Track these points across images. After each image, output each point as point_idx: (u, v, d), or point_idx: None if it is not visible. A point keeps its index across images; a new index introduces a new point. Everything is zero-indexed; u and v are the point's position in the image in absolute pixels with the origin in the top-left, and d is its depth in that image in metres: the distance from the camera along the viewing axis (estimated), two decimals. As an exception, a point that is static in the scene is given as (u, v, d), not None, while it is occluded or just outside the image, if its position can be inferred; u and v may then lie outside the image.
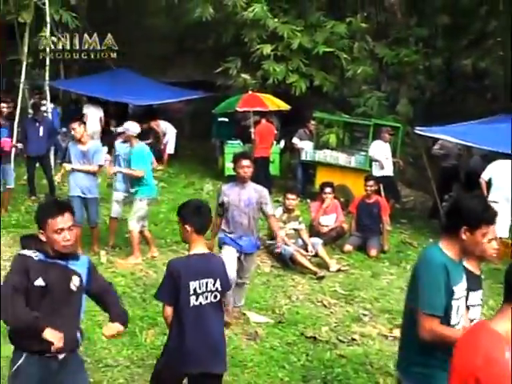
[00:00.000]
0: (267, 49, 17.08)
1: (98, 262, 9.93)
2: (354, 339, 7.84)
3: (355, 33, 17.66)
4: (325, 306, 8.98)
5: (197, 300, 4.99)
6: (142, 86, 19.39)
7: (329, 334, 7.98)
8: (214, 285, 5.07)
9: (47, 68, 16.50)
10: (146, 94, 18.59)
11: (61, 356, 4.42)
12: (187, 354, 5.02)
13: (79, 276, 4.48)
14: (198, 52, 22.31)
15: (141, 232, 10.32)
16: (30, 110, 15.78)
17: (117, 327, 4.54)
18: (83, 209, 10.32)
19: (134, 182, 10.28)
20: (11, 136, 13.73)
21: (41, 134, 13.62)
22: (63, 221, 4.37)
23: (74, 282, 4.45)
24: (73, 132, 10.39)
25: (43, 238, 4.40)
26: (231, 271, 7.40)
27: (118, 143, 10.87)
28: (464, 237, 3.97)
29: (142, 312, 8.13)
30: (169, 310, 5.05)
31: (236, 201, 7.89)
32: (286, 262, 10.42)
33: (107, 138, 16.51)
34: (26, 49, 16.53)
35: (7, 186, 12.54)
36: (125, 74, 19.91)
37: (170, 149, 18.56)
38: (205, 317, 5.05)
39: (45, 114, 15.64)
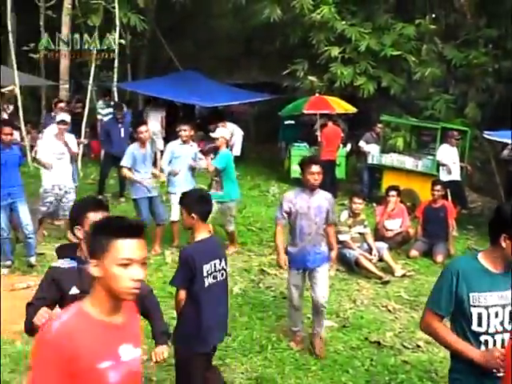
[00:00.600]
0: (335, 51, 17.02)
1: (163, 262, 10.04)
2: (418, 346, 7.72)
3: (423, 35, 17.46)
4: (389, 311, 8.88)
5: (209, 280, 5.38)
6: (208, 87, 19.51)
7: (393, 339, 7.88)
8: (220, 264, 5.52)
9: (115, 70, 16.73)
10: (213, 96, 18.70)
11: None
12: (208, 332, 5.43)
13: None
14: (264, 54, 22.37)
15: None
16: (102, 111, 16.14)
17: (164, 350, 4.51)
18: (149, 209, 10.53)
19: (227, 184, 10.55)
20: (79, 137, 13.97)
21: (122, 134, 13.82)
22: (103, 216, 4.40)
23: None
24: (141, 135, 10.50)
25: (80, 235, 4.39)
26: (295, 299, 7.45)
27: (177, 145, 10.97)
28: (504, 244, 3.91)
29: (206, 313, 8.15)
30: (183, 294, 5.37)
31: (304, 209, 7.23)
32: (351, 266, 10.34)
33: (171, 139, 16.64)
34: (94, 51, 16.80)
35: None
36: (191, 75, 20.08)
37: (237, 151, 18.60)
38: (216, 294, 5.50)
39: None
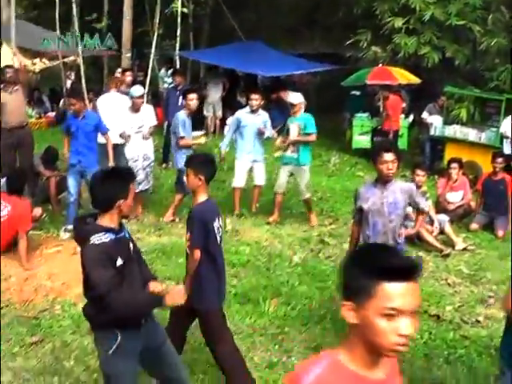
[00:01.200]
0: (399, 22, 16.80)
1: (223, 230, 10.09)
2: (478, 321, 7.63)
3: (490, 4, 17.00)
4: (449, 284, 8.78)
5: (218, 236, 5.58)
6: (270, 57, 19.46)
7: (452, 313, 7.80)
8: (219, 222, 5.66)
9: (178, 39, 16.77)
10: (275, 66, 18.64)
11: (143, 321, 4.56)
12: (224, 285, 5.81)
13: (132, 241, 4.63)
14: (327, 24, 22.17)
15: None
16: (168, 79, 16.19)
17: (178, 295, 4.47)
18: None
19: (302, 151, 10.52)
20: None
21: (180, 102, 13.82)
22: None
23: (131, 248, 4.56)
24: (189, 102, 10.45)
25: (125, 208, 4.42)
26: None
27: (245, 113, 10.97)
28: None
29: (266, 281, 8.22)
30: (199, 253, 5.44)
31: (377, 205, 6.44)
32: (412, 239, 10.26)
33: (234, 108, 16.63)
34: (157, 20, 16.85)
35: None
36: (254, 45, 20.05)
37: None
38: (222, 250, 5.80)
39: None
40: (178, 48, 17.13)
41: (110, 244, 4.28)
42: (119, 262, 4.29)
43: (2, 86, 10.85)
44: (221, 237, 5.65)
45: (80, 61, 16.22)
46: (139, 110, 10.77)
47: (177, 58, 17.32)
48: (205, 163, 5.68)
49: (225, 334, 5.71)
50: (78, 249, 8.34)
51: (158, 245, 9.41)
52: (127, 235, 4.56)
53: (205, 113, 18.64)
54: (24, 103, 11.21)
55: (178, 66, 17.36)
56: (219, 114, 18.86)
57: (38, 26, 20.78)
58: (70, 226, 9.68)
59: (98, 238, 4.26)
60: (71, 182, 9.80)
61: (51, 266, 8.33)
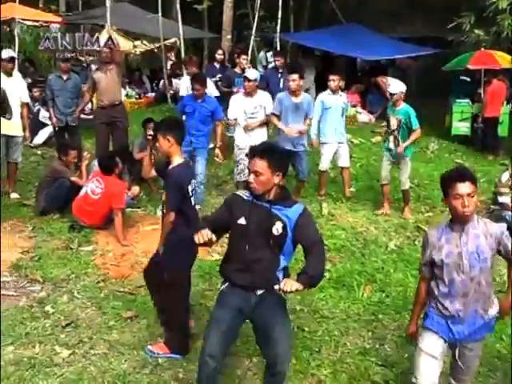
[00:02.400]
0: (503, 3, 16.21)
1: (320, 214, 10.07)
2: None
3: None
4: None
5: (192, 199, 5.86)
6: (371, 41, 19.19)
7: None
8: (192, 185, 5.91)
9: (279, 21, 16.73)
10: (375, 49, 18.37)
11: (259, 292, 4.77)
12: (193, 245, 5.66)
13: (283, 223, 4.65)
14: (428, 7, 21.70)
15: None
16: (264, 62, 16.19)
17: (294, 285, 4.45)
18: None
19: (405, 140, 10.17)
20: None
21: (281, 84, 13.72)
22: None
23: (277, 227, 4.64)
24: (289, 83, 10.23)
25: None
26: None
27: (326, 95, 10.76)
28: None
29: (361, 267, 8.16)
30: (174, 216, 5.74)
31: (454, 256, 4.65)
32: (510, 230, 9.89)
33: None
34: (258, 2, 16.87)
35: None
36: (354, 28, 19.83)
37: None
38: (195, 213, 6.04)
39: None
40: (278, 30, 17.05)
41: (240, 200, 4.80)
42: (241, 220, 4.71)
43: (97, 65, 11.15)
44: (193, 197, 5.91)
45: (181, 42, 16.41)
46: (253, 94, 10.30)
47: (277, 40, 17.28)
48: (173, 125, 5.94)
49: (185, 290, 6.09)
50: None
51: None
52: (281, 214, 4.72)
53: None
54: (118, 82, 11.37)
55: (278, 48, 17.31)
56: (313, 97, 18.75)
57: (139, 8, 21.10)
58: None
59: (239, 191, 4.95)
60: (200, 163, 9.99)
61: (147, 244, 8.47)
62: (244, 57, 13.72)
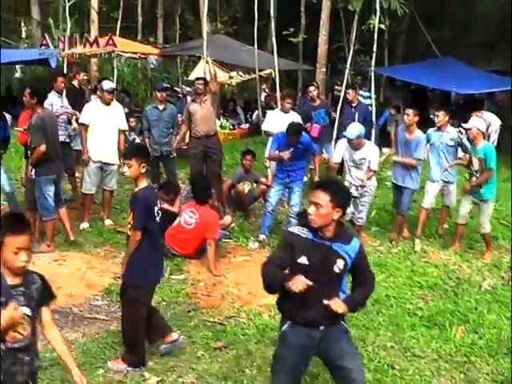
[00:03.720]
0: None
1: (412, 251, 9.93)
2: None
3: None
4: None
5: (157, 219, 6.14)
6: (465, 74, 18.97)
7: None
8: (158, 207, 6.22)
9: (374, 55, 16.67)
10: (470, 83, 18.11)
11: (321, 327, 4.69)
12: (159, 264, 6.39)
13: (344, 260, 4.63)
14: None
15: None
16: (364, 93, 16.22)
17: (341, 307, 4.57)
18: (397, 196, 10.45)
19: (486, 185, 9.75)
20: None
21: (356, 118, 13.57)
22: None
23: (338, 265, 4.61)
24: (405, 117, 10.13)
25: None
26: None
27: (431, 131, 10.57)
28: None
29: (453, 306, 7.96)
30: (140, 235, 6.00)
31: None
32: None
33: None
34: (353, 36, 16.88)
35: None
36: (449, 61, 19.66)
37: (493, 141, 17.87)
38: (158, 233, 6.35)
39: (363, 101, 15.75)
40: (373, 64, 17.00)
41: (298, 238, 4.67)
42: (302, 260, 4.60)
43: (193, 97, 11.35)
44: (158, 220, 6.17)
45: (276, 74, 16.57)
46: (361, 148, 9.93)
47: (372, 74, 17.21)
48: (145, 153, 6.42)
49: (144, 307, 6.23)
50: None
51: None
52: (341, 251, 4.68)
53: (388, 128, 18.42)
54: (213, 113, 11.52)
55: (372, 82, 17.24)
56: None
57: (235, 41, 21.45)
58: (262, 236, 9.91)
59: (293, 228, 4.83)
60: (274, 193, 10.03)
61: (239, 275, 8.53)
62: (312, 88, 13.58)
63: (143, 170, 6.05)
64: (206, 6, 17.93)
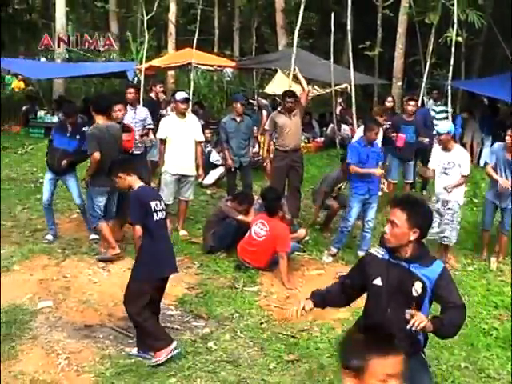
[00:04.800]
0: None
1: (487, 269, 9.75)
2: None
3: None
4: None
5: (157, 216, 6.48)
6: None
7: None
8: (161, 204, 6.62)
9: (451, 68, 16.45)
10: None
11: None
12: (162, 260, 6.55)
13: (423, 283, 4.40)
14: None
15: None
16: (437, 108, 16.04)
17: (424, 322, 4.25)
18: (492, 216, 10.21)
19: None
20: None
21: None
22: None
23: (416, 288, 4.39)
24: (507, 138, 9.60)
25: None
26: None
27: (501, 149, 10.11)
28: None
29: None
30: (139, 229, 6.40)
31: None
32: None
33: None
34: (430, 49, 16.73)
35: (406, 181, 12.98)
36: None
37: None
38: (163, 229, 6.68)
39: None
40: (450, 78, 16.77)
41: (374, 258, 4.60)
42: (377, 281, 4.51)
43: (281, 110, 11.35)
44: (161, 217, 6.56)
45: (351, 88, 16.52)
46: (450, 148, 9.73)
47: (448, 87, 17.00)
48: (126, 162, 7.08)
49: (146, 301, 6.45)
50: (339, 273, 8.59)
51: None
52: (419, 273, 4.47)
53: (464, 140, 18.11)
54: (300, 127, 11.55)
55: (449, 96, 17.00)
56: (478, 141, 18.25)
57: (311, 54, 21.47)
58: (335, 250, 9.87)
59: (372, 249, 4.80)
60: (355, 212, 9.87)
61: (311, 288, 8.39)
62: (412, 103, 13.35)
63: (130, 177, 6.66)
64: (298, 21, 17.87)
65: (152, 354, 6.51)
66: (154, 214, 6.47)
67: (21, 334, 6.97)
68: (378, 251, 4.55)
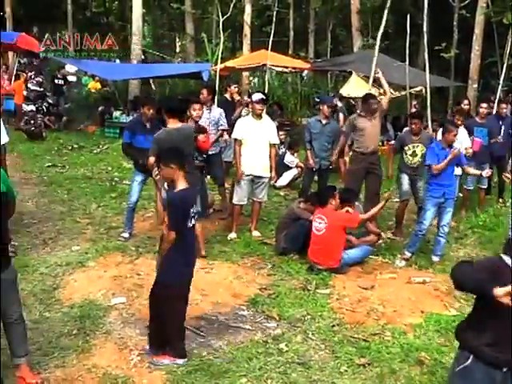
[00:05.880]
0: None
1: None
2: None
3: None
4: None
5: (191, 222, 6.34)
6: None
7: None
8: (195, 209, 6.52)
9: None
10: None
11: (505, 369, 4.40)
12: (191, 266, 6.55)
13: None
14: None
15: None
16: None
17: None
18: None
19: None
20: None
21: (501, 133, 13.02)
22: None
23: None
24: None
25: None
26: None
27: None
28: None
29: None
30: (173, 235, 6.14)
31: None
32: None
33: None
34: (507, 50, 16.39)
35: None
36: None
37: None
38: (193, 234, 6.60)
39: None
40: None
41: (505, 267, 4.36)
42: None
43: (361, 113, 11.31)
44: (193, 222, 6.41)
45: (427, 91, 16.29)
46: None
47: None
48: (172, 152, 6.50)
49: (177, 304, 6.43)
50: (413, 279, 8.47)
51: None
52: None
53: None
54: (379, 131, 11.44)
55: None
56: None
57: (386, 56, 21.28)
58: (408, 254, 9.75)
59: (504, 256, 4.44)
60: (429, 215, 9.75)
61: (384, 292, 8.44)
62: (485, 105, 13.12)
63: (178, 172, 6.28)
64: (382, 23, 17.71)
65: (161, 353, 6.53)
66: (189, 221, 6.35)
67: (95, 329, 7.11)
68: (507, 257, 4.37)
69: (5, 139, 9.67)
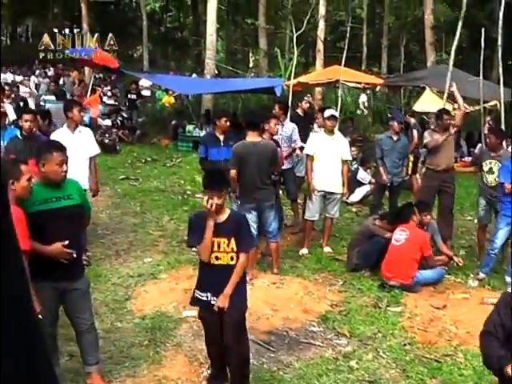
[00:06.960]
0: None
1: None
2: None
3: None
4: None
5: None
6: None
7: None
8: None
9: None
10: None
11: None
12: None
13: None
14: None
15: None
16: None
17: None
18: None
19: None
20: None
21: None
22: None
23: None
24: None
25: None
26: None
27: None
28: None
29: None
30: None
31: None
32: None
33: None
34: None
35: None
36: None
37: None
38: None
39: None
40: None
41: None
42: None
43: (436, 128, 11.15)
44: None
45: (501, 105, 16.05)
46: None
47: None
48: (225, 182, 6.35)
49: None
50: (486, 299, 8.33)
51: None
52: None
53: None
54: (453, 148, 11.29)
55: None
56: None
57: (460, 71, 21.04)
58: (482, 275, 9.59)
59: None
60: (503, 234, 9.55)
61: (457, 312, 8.32)
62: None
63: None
64: (456, 38, 17.58)
65: None
66: None
67: (165, 341, 7.20)
68: None
69: (96, 150, 10.02)
